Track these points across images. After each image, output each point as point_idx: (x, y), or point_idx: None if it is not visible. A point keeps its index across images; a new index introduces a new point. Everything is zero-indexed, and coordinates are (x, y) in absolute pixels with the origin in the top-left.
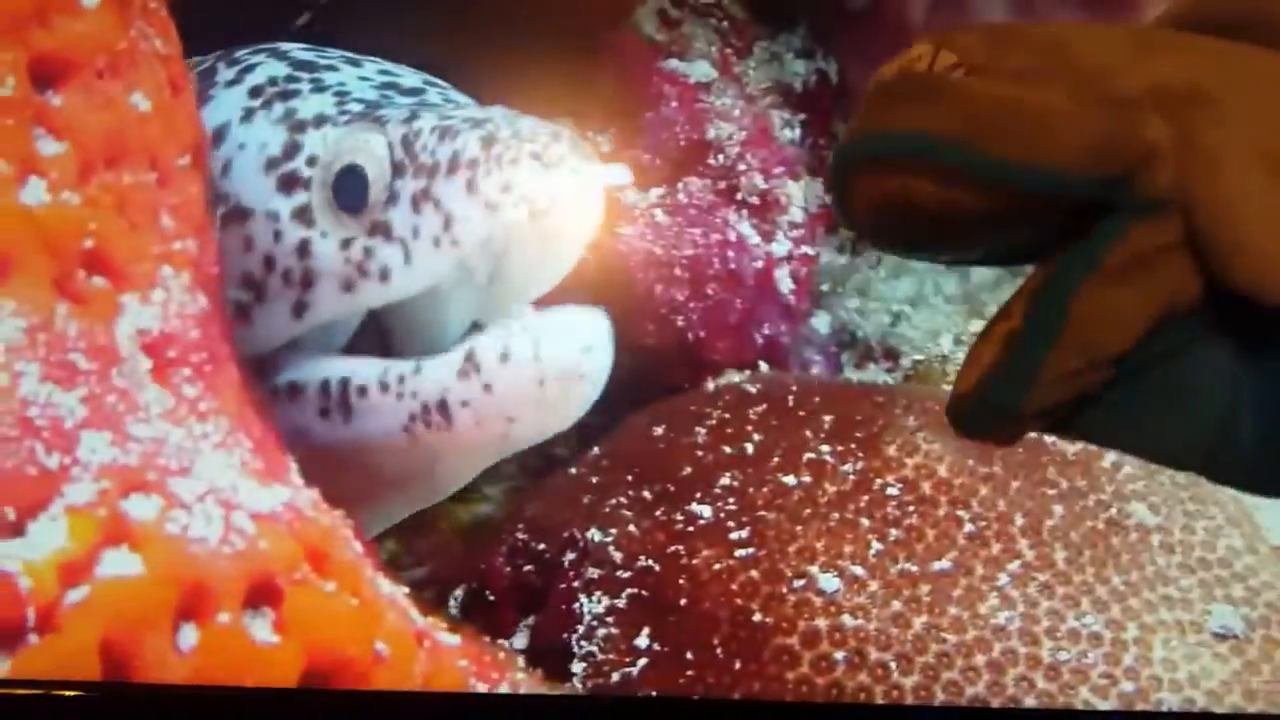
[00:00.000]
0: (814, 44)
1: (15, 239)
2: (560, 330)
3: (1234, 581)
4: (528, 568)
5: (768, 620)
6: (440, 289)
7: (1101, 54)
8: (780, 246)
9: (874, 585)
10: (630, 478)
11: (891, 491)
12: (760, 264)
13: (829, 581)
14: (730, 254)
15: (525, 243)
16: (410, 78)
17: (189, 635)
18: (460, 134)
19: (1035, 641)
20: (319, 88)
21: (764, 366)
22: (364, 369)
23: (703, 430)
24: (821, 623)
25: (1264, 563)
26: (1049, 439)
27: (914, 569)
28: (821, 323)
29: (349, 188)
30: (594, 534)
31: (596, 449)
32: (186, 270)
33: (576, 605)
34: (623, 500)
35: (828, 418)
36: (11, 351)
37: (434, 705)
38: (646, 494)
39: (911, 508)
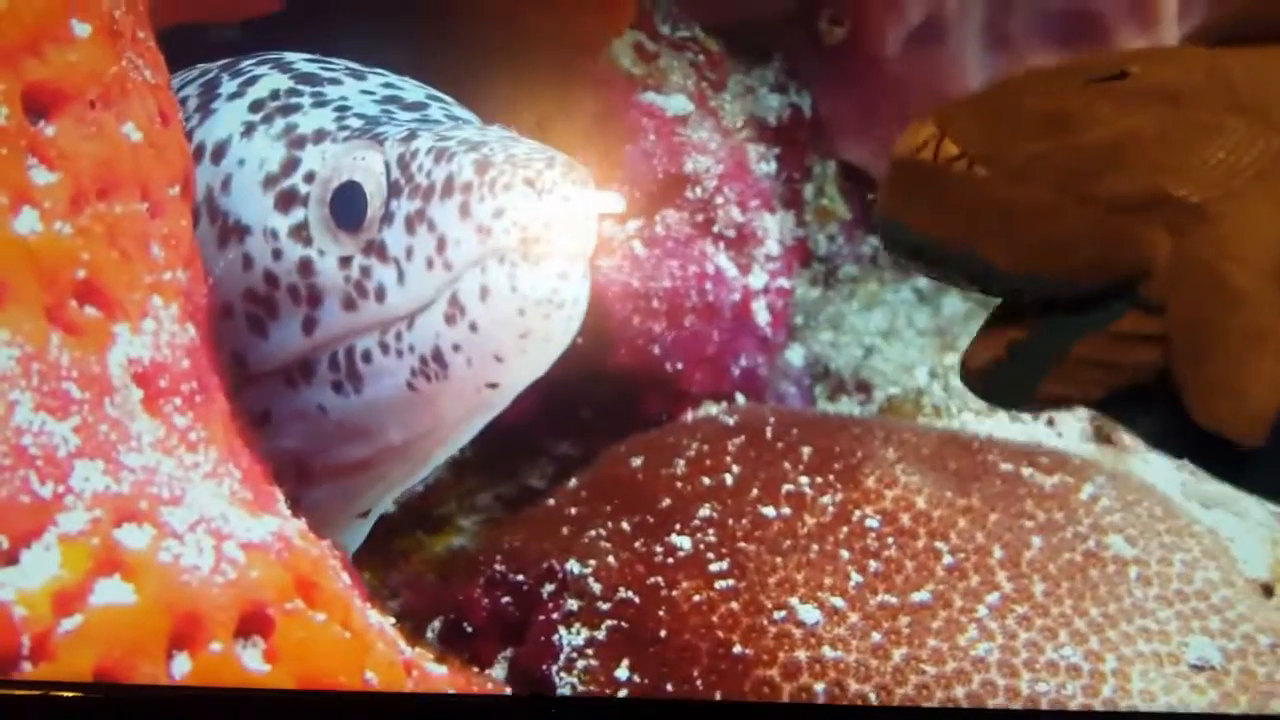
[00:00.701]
0: (788, 78)
1: (9, 268)
2: (535, 259)
3: (1211, 614)
4: (506, 599)
5: (748, 652)
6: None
7: (1106, 135)
8: (757, 279)
9: (854, 617)
10: (609, 509)
11: (871, 523)
12: (737, 296)
13: (809, 613)
14: (708, 286)
15: (514, 270)
16: (414, 91)
17: (181, 664)
18: (455, 156)
19: (1014, 673)
20: (320, 102)
21: (740, 398)
22: (365, 336)
23: (681, 462)
24: (802, 654)
25: (1240, 595)
26: (1026, 472)
27: (894, 601)
28: (795, 355)
29: (346, 205)
30: (573, 565)
31: (574, 480)
32: (176, 301)
33: (556, 637)
34: (601, 532)
35: (806, 450)
36: (4, 380)
37: (430, 707)
38: (625, 525)
39: (890, 539)
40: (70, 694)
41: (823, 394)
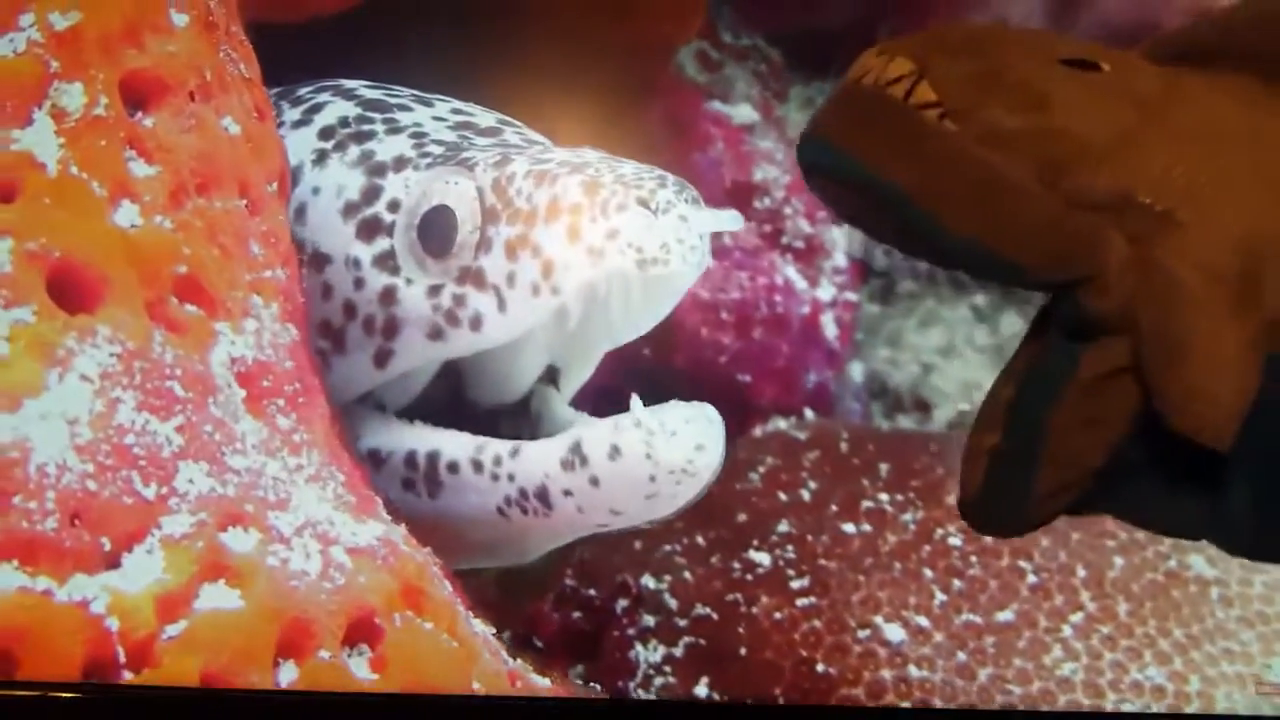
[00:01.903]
0: None
1: (109, 262)
2: (675, 428)
3: None
4: (576, 614)
5: (832, 671)
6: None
7: (1081, 127)
8: (825, 292)
9: (939, 636)
10: (682, 524)
11: (954, 542)
12: (807, 309)
13: (894, 632)
14: (777, 298)
15: (629, 291)
16: (485, 117)
17: (288, 672)
18: (559, 178)
19: (1100, 694)
20: (394, 129)
21: (809, 413)
22: (454, 444)
23: (756, 476)
24: (887, 674)
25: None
26: None
27: (978, 620)
28: (855, 371)
29: (435, 231)
30: (647, 581)
31: None
32: (276, 300)
33: (631, 653)
34: (676, 547)
35: (884, 466)
36: (107, 378)
37: (438, 706)
38: (701, 540)
39: (974, 558)
40: (70, 694)
41: (880, 411)
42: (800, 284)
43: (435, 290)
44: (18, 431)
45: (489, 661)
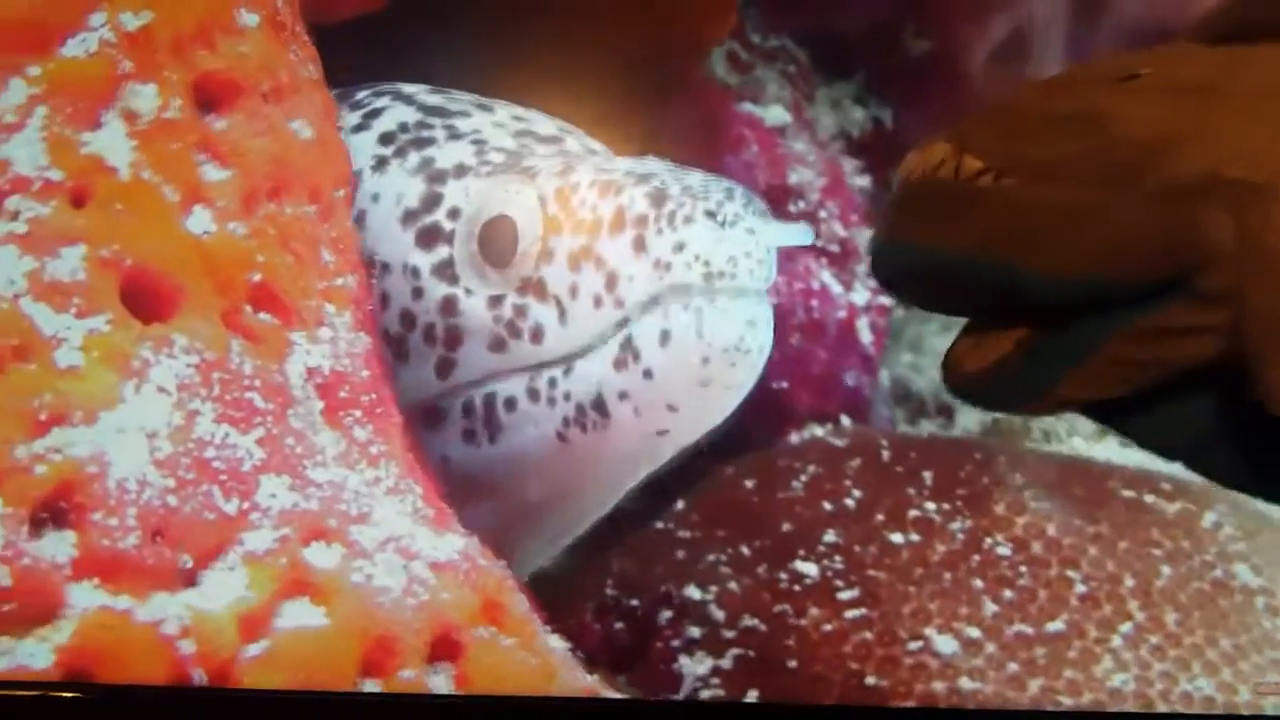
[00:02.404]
0: (868, 92)
1: (183, 270)
2: (724, 305)
3: None
4: (619, 625)
5: (883, 683)
6: None
7: (1139, 128)
8: (860, 296)
9: (990, 647)
10: (724, 533)
11: (1002, 551)
12: (843, 314)
13: (946, 644)
14: (814, 303)
15: (693, 307)
16: (545, 124)
17: (370, 690)
18: (624, 189)
19: (1150, 705)
20: (454, 135)
21: (845, 420)
22: (509, 382)
23: (798, 485)
24: (939, 686)
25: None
26: (1149, 499)
27: (1029, 631)
28: (883, 376)
29: (497, 240)
30: (692, 591)
31: (681, 503)
32: (349, 308)
33: (676, 665)
34: (720, 557)
35: (928, 474)
36: (185, 389)
37: (442, 708)
38: (745, 550)
39: (1023, 568)
40: (70, 694)
41: (903, 417)
42: (836, 288)
43: (496, 301)
44: (95, 445)
45: (566, 678)
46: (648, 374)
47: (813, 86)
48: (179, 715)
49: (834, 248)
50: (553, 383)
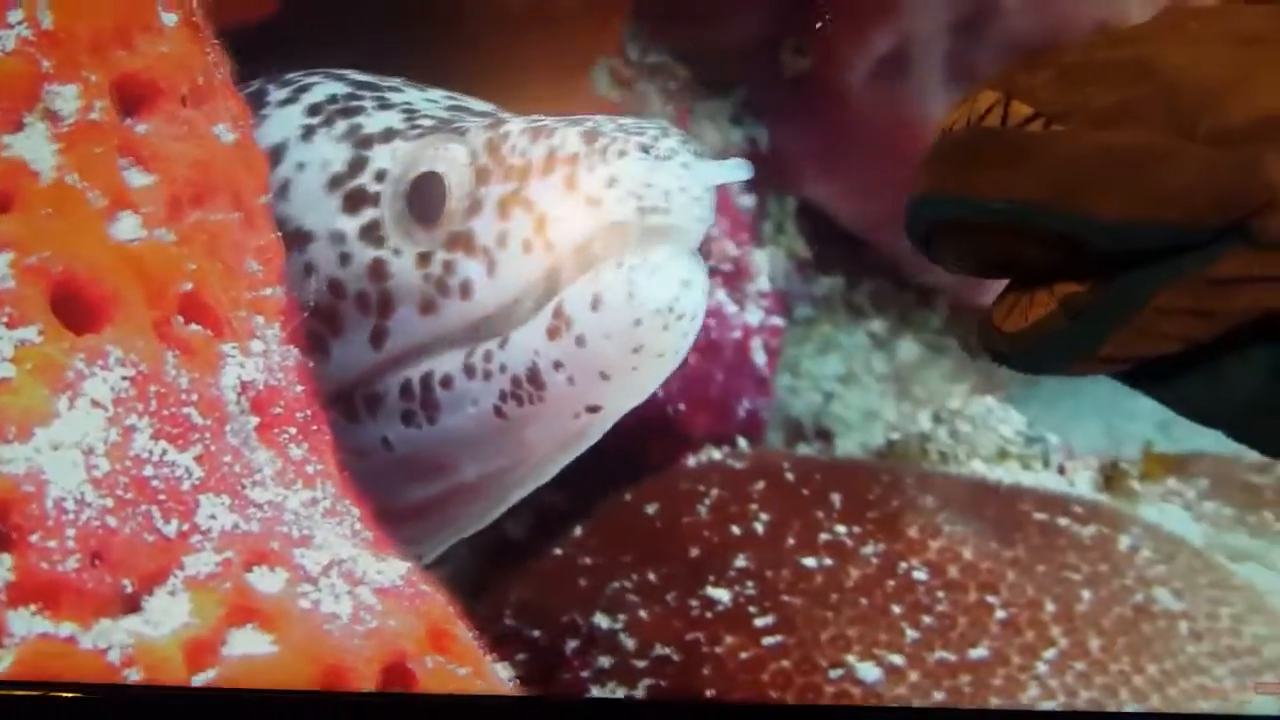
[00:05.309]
0: (744, 110)
1: (116, 278)
2: (657, 264)
3: (1265, 670)
4: (520, 656)
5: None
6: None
7: (1197, 73)
8: (753, 316)
9: (914, 675)
10: (628, 559)
11: (918, 576)
12: (738, 334)
13: (868, 671)
14: (710, 322)
15: (626, 247)
16: (478, 104)
17: None
18: (556, 131)
19: None
20: (385, 105)
21: (742, 442)
22: (445, 360)
23: (702, 509)
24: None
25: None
26: (1062, 522)
27: (951, 657)
28: None
29: (425, 196)
30: (600, 620)
31: (579, 529)
32: (277, 320)
33: (587, 696)
34: (626, 584)
35: (836, 496)
36: (120, 404)
37: (437, 707)
38: (652, 577)
39: (941, 593)
40: (70, 694)
41: (780, 441)
42: (730, 308)
43: (424, 259)
44: (31, 463)
45: None
46: (580, 341)
47: (694, 102)
48: (179, 715)
49: (727, 266)
50: (488, 356)
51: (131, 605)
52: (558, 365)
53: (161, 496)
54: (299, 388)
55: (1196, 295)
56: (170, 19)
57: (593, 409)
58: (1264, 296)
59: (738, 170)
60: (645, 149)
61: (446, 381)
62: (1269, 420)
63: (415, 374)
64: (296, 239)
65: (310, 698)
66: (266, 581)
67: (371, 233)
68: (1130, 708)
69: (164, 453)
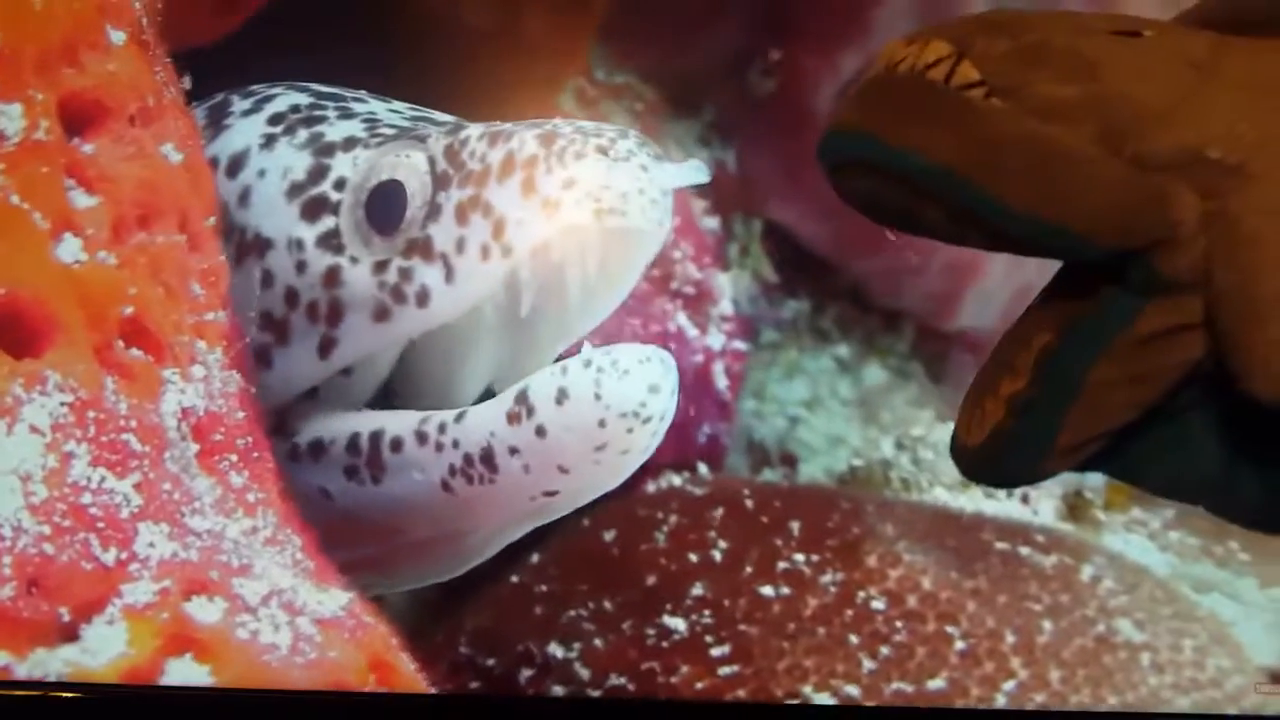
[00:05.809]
0: (712, 132)
1: (58, 301)
2: (627, 367)
3: (1228, 704)
4: (475, 685)
5: None
6: (467, 332)
7: (1136, 90)
8: (715, 340)
9: (870, 705)
10: (585, 587)
11: (877, 605)
12: (700, 358)
13: (824, 702)
14: (671, 346)
15: (586, 256)
16: (442, 116)
17: None
18: (515, 135)
19: None
20: (347, 114)
21: (703, 468)
22: (398, 420)
23: (660, 535)
24: None
25: (1251, 683)
26: (1023, 551)
27: (909, 689)
28: None
29: (384, 205)
30: (554, 649)
31: (536, 556)
32: (220, 345)
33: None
34: (582, 612)
35: (795, 524)
36: (59, 429)
37: (433, 706)
38: (608, 605)
39: (899, 623)
40: (70, 694)
41: (745, 466)
42: (692, 332)
43: (381, 266)
44: None
45: None
46: (540, 431)
47: (660, 123)
48: (179, 715)
49: (689, 290)
50: (442, 428)
51: (69, 634)
52: (514, 451)
53: (100, 524)
54: (240, 414)
55: (1128, 360)
56: (119, 37)
57: (550, 494)
58: (1192, 346)
59: (696, 173)
60: (603, 151)
61: (396, 444)
62: (1239, 485)
63: (365, 429)
64: (256, 245)
65: (310, 698)
66: (205, 611)
67: (329, 240)
68: None
69: (103, 480)
